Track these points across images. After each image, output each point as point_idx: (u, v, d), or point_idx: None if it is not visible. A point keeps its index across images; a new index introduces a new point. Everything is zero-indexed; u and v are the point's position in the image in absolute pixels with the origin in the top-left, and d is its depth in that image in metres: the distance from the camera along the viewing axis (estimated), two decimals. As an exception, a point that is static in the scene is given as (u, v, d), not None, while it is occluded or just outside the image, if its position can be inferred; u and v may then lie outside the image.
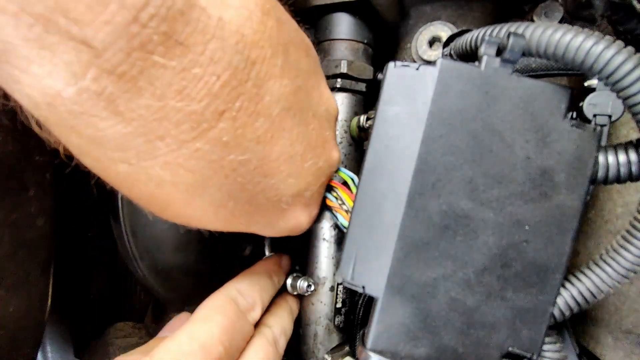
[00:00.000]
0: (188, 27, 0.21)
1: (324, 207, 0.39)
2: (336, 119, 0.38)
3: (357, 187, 0.33)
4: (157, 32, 0.20)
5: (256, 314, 0.37)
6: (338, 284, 0.46)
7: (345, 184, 0.38)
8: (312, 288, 0.44)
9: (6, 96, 0.23)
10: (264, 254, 0.49)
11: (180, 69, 0.22)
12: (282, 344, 0.40)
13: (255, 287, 0.38)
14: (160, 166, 0.25)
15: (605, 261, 0.29)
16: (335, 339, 0.46)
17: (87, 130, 0.22)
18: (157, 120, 0.23)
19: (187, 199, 0.27)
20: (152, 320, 0.66)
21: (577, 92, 0.30)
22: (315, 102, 0.33)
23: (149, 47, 0.20)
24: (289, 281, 0.45)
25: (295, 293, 0.45)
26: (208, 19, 0.22)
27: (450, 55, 0.36)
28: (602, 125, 0.30)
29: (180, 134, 0.24)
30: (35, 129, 0.26)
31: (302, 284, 0.44)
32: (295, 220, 0.35)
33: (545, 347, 0.30)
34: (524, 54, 0.28)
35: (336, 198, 0.38)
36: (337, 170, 0.38)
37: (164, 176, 0.25)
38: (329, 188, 0.38)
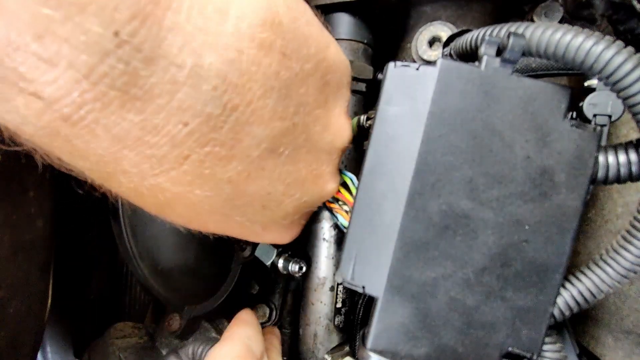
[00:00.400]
0: (152, 78, 0.20)
1: (324, 207, 0.39)
2: (345, 148, 0.34)
3: (357, 187, 0.33)
4: (112, 88, 0.20)
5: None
6: (338, 284, 0.46)
7: (344, 184, 0.38)
8: (304, 269, 0.44)
9: None
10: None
11: (138, 120, 0.21)
12: None
13: (259, 337, 0.41)
14: (125, 188, 0.26)
15: (605, 261, 0.29)
16: (335, 339, 0.46)
17: (53, 158, 0.24)
18: (115, 160, 0.23)
19: (159, 211, 0.28)
20: (152, 320, 0.66)
21: (577, 92, 0.30)
22: (316, 136, 0.30)
23: (104, 101, 0.20)
24: (280, 265, 0.45)
25: (285, 273, 0.45)
26: (178, 69, 0.21)
27: (450, 55, 0.36)
28: (602, 125, 0.30)
29: (139, 171, 0.24)
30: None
31: (293, 267, 0.44)
32: (272, 238, 0.34)
33: (545, 347, 0.30)
34: (524, 54, 0.28)
35: (336, 199, 0.38)
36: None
37: (129, 195, 0.26)
38: None
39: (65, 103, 0.19)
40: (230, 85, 0.23)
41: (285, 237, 0.35)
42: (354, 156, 0.48)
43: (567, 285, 0.30)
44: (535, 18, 0.44)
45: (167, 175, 0.24)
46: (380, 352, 0.31)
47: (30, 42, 0.18)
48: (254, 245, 0.51)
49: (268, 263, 0.45)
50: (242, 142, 0.25)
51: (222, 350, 0.36)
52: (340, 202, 0.38)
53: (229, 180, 0.26)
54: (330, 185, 0.34)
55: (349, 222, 0.32)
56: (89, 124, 0.21)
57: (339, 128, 0.32)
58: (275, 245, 0.46)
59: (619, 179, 0.29)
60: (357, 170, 0.34)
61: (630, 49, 0.26)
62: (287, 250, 0.47)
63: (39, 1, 0.17)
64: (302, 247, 0.49)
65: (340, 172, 0.38)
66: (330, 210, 0.38)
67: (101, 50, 0.19)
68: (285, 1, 0.25)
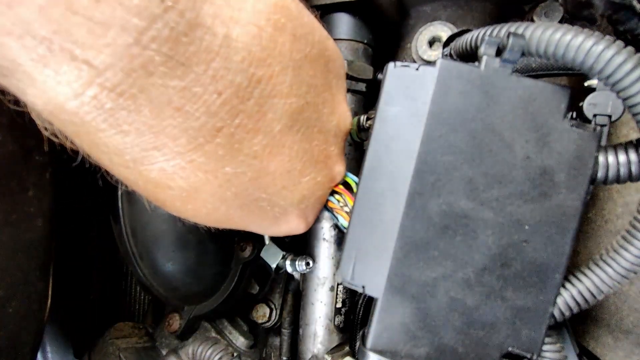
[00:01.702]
0: (191, 46, 0.22)
1: (325, 208, 0.39)
2: (347, 133, 0.37)
3: (357, 187, 0.33)
4: (158, 53, 0.21)
5: None
6: (338, 284, 0.46)
7: (347, 186, 0.38)
8: (311, 265, 0.45)
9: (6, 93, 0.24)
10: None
11: (180, 88, 0.22)
12: None
13: None
14: (157, 172, 0.26)
15: (605, 261, 0.29)
16: (335, 339, 0.46)
17: (88, 137, 0.24)
18: (154, 134, 0.23)
19: (182, 200, 0.28)
20: (152, 320, 0.66)
21: (577, 92, 0.30)
22: (325, 117, 0.32)
23: (150, 68, 0.21)
24: (288, 266, 0.45)
25: (294, 273, 0.45)
26: (213, 38, 0.22)
27: (450, 55, 0.36)
28: (602, 125, 0.30)
29: (176, 146, 0.24)
30: (42, 130, 0.26)
31: (300, 265, 0.45)
32: (289, 227, 0.36)
33: (545, 347, 0.30)
34: (523, 54, 0.28)
35: (338, 200, 0.38)
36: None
37: (160, 180, 0.27)
38: (333, 191, 0.38)
39: (115, 70, 0.20)
40: (254, 59, 0.25)
41: (302, 223, 0.36)
42: (354, 156, 0.48)
43: (567, 285, 0.30)
44: (535, 18, 0.44)
45: (202, 150, 0.25)
46: (380, 352, 0.31)
47: (88, 5, 0.18)
48: (254, 246, 0.51)
49: (274, 265, 0.45)
50: (266, 115, 0.27)
51: None
52: (341, 204, 0.38)
53: (255, 156, 0.28)
54: (338, 167, 0.36)
55: (349, 222, 0.32)
56: (134, 93, 0.21)
57: (342, 112, 0.35)
58: (280, 248, 0.46)
59: (618, 179, 0.29)
60: (357, 170, 0.34)
61: (630, 49, 0.26)
62: (291, 252, 0.47)
63: None
64: (303, 247, 0.49)
65: (345, 174, 0.38)
66: (331, 211, 0.38)
67: (150, 14, 0.19)
68: None
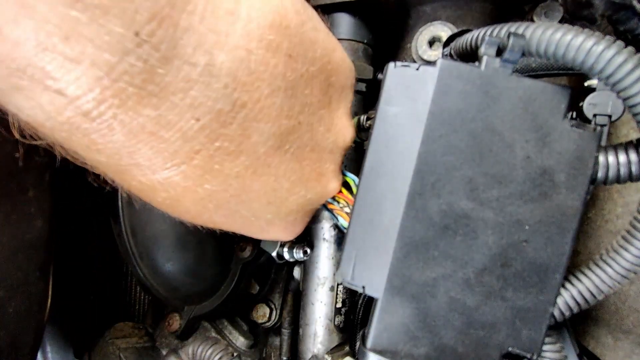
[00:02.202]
0: (167, 77, 0.22)
1: (324, 208, 0.39)
2: (347, 148, 0.35)
3: (357, 187, 0.33)
4: (131, 85, 0.21)
5: None
6: (338, 284, 0.46)
7: (347, 186, 0.38)
8: (309, 253, 0.45)
9: None
10: (264, 253, 0.49)
11: (154, 116, 0.22)
12: None
13: None
14: (137, 183, 0.26)
15: (605, 261, 0.29)
16: (335, 339, 0.46)
17: (70, 152, 0.25)
18: (129, 154, 0.24)
19: (166, 205, 0.29)
20: (152, 320, 0.66)
21: (577, 92, 0.30)
22: (320, 135, 0.31)
23: (122, 97, 0.21)
24: (285, 253, 0.45)
25: (292, 260, 0.45)
26: (192, 68, 0.22)
27: (450, 55, 0.36)
28: (602, 125, 0.30)
29: (151, 165, 0.25)
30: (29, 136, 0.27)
31: (297, 252, 0.44)
32: (276, 236, 0.35)
33: (545, 347, 0.30)
34: (524, 54, 0.28)
35: (337, 201, 0.38)
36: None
37: (142, 189, 0.27)
38: None
39: (87, 99, 0.21)
40: (239, 84, 0.24)
41: (289, 233, 0.36)
42: (354, 156, 0.48)
43: (567, 285, 0.30)
44: (535, 18, 0.44)
45: (178, 169, 0.25)
46: (380, 352, 0.31)
47: (58, 43, 0.19)
48: (254, 246, 0.51)
49: (274, 253, 0.45)
50: (250, 138, 0.26)
51: None
52: (341, 204, 0.38)
53: (237, 175, 0.27)
54: (332, 184, 0.34)
55: (349, 222, 0.32)
56: (107, 119, 0.22)
57: (342, 128, 0.33)
58: None
59: (619, 179, 0.29)
60: (357, 170, 0.34)
61: (630, 49, 0.26)
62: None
63: (67, 4, 0.18)
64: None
65: (343, 173, 0.38)
66: (331, 212, 0.38)
67: (122, 49, 0.20)
68: (294, 6, 0.27)
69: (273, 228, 0.34)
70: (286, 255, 0.45)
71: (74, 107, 0.21)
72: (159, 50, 0.21)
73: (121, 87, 0.21)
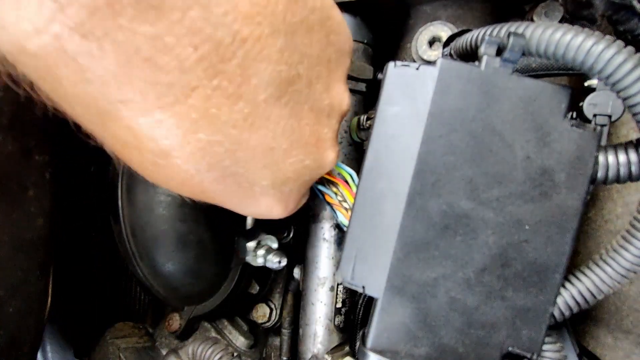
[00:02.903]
0: None
1: (325, 203, 0.39)
2: (343, 116, 0.34)
3: (357, 186, 0.33)
4: None
5: None
6: (338, 284, 0.46)
7: (344, 181, 0.38)
8: (282, 264, 0.44)
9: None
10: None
11: (150, 35, 0.20)
12: None
13: None
14: (123, 129, 0.24)
15: (605, 261, 0.29)
16: (335, 339, 0.46)
17: (51, 84, 0.22)
18: (119, 85, 0.22)
19: (152, 164, 0.26)
20: (152, 320, 0.66)
21: (577, 92, 0.30)
22: (317, 94, 0.30)
23: (117, 7, 0.19)
24: (259, 258, 0.44)
25: (263, 265, 0.45)
26: None
27: (450, 55, 0.36)
28: (602, 125, 0.30)
29: (143, 101, 0.22)
30: (4, 77, 0.24)
31: (272, 261, 0.44)
32: (267, 209, 0.33)
33: (545, 347, 0.30)
34: (524, 54, 0.28)
35: (336, 194, 0.38)
36: (336, 167, 0.38)
37: (127, 139, 0.25)
38: (330, 183, 0.38)
39: (78, 7, 0.19)
40: (240, 15, 0.22)
41: (282, 208, 0.33)
42: (354, 156, 0.48)
43: (567, 285, 0.30)
44: (535, 18, 0.44)
45: (172, 110, 0.23)
46: (380, 352, 0.31)
47: None
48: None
49: (248, 257, 0.45)
50: (250, 81, 0.24)
51: None
52: (339, 198, 0.38)
53: (234, 125, 0.25)
54: (330, 154, 0.33)
55: (349, 222, 0.32)
56: (99, 36, 0.20)
57: (339, 92, 0.32)
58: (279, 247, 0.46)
59: (618, 179, 0.29)
60: (357, 170, 0.34)
61: (630, 49, 0.26)
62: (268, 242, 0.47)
63: None
64: (302, 247, 0.49)
65: (339, 166, 0.38)
66: (330, 206, 0.38)
67: None
68: None
69: (266, 199, 0.31)
70: (259, 260, 0.44)
71: (64, 17, 0.19)
72: None
73: None
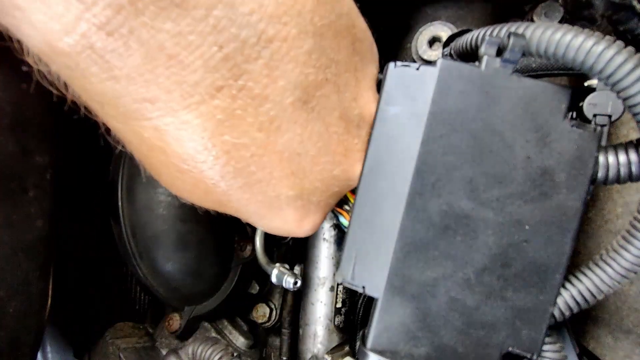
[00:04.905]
0: None
1: None
2: (370, 126, 0.32)
3: (357, 186, 0.33)
4: None
5: None
6: (338, 284, 0.46)
7: None
8: (298, 284, 0.43)
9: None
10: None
11: (174, 32, 0.20)
12: None
13: None
14: (150, 130, 0.24)
15: (605, 261, 0.29)
16: (335, 339, 0.46)
17: (81, 82, 0.23)
18: (145, 83, 0.22)
19: (177, 169, 0.26)
20: (152, 320, 0.66)
21: (577, 92, 0.30)
22: (347, 103, 0.29)
23: (139, 6, 0.19)
24: (274, 277, 0.44)
25: (279, 285, 0.44)
26: None
27: (451, 55, 0.36)
28: (602, 125, 0.30)
29: (169, 101, 0.22)
30: (40, 80, 0.25)
31: (287, 281, 0.44)
32: (294, 225, 0.31)
33: (545, 347, 0.30)
34: (524, 54, 0.28)
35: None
36: None
37: (153, 142, 0.25)
38: None
39: (103, 5, 0.19)
40: (266, 14, 0.22)
41: (306, 224, 0.31)
42: (354, 156, 0.48)
43: (567, 285, 0.30)
44: (535, 18, 0.44)
45: (197, 110, 0.23)
46: (380, 352, 0.31)
47: None
48: (255, 246, 0.51)
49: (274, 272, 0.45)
50: (277, 82, 0.24)
51: None
52: (342, 202, 0.38)
53: (260, 128, 0.25)
54: (357, 167, 0.31)
55: (349, 222, 0.32)
56: (124, 33, 0.20)
57: (368, 102, 0.31)
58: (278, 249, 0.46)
59: (619, 179, 0.29)
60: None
61: (630, 49, 0.26)
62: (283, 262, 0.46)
63: None
64: (302, 247, 0.49)
65: None
66: (332, 210, 0.38)
67: None
68: None
69: (290, 213, 0.30)
70: (274, 279, 0.44)
71: (91, 15, 0.19)
72: None
73: None
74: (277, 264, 0.45)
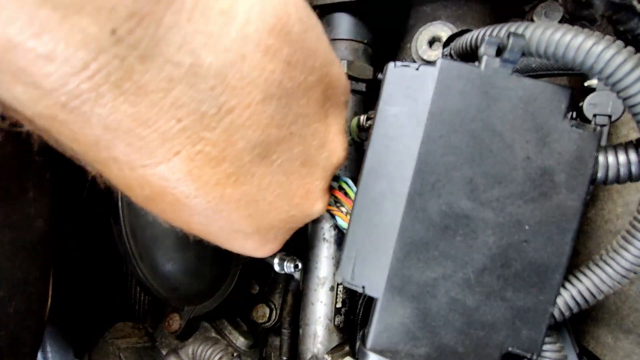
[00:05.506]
0: (147, 75, 0.21)
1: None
2: (339, 167, 0.34)
3: (357, 187, 0.33)
4: (106, 82, 0.20)
5: None
6: (338, 284, 0.46)
7: (340, 187, 0.38)
8: (299, 267, 0.45)
9: None
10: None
11: (131, 112, 0.22)
12: None
13: None
14: (115, 177, 0.26)
15: (605, 261, 0.29)
16: (335, 339, 0.46)
17: (51, 140, 0.25)
18: (106, 148, 0.23)
19: (142, 204, 0.28)
20: (152, 320, 0.66)
21: (577, 92, 0.30)
22: (313, 150, 0.30)
23: (98, 92, 0.20)
24: (276, 265, 0.45)
25: (282, 272, 0.45)
26: (175, 67, 0.21)
27: (450, 55, 0.36)
28: (602, 125, 0.30)
29: (129, 161, 0.24)
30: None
31: (288, 266, 0.45)
32: (252, 251, 0.34)
33: (545, 347, 0.30)
34: (523, 54, 0.28)
35: (335, 201, 0.38)
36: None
37: (120, 183, 0.27)
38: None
39: (62, 92, 0.20)
40: (228, 87, 0.23)
41: (265, 250, 0.34)
42: (354, 156, 0.48)
43: (567, 285, 0.30)
44: (535, 18, 0.44)
45: (155, 169, 0.24)
46: (380, 352, 0.31)
47: (28, 40, 0.18)
48: None
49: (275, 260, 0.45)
50: (235, 145, 0.25)
51: None
52: (338, 204, 0.38)
53: (217, 182, 0.26)
54: (318, 205, 0.33)
55: (349, 222, 0.32)
56: (84, 112, 0.21)
57: (337, 145, 0.33)
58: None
59: (618, 179, 0.29)
60: (357, 170, 0.34)
61: (630, 49, 0.26)
62: (282, 250, 0.47)
63: (36, 3, 0.18)
64: (302, 246, 0.49)
65: (338, 177, 0.38)
66: (328, 211, 0.38)
67: (97, 47, 0.19)
68: (298, 12, 0.25)
69: (250, 243, 0.32)
70: (276, 267, 0.45)
71: (50, 98, 0.20)
72: (138, 49, 0.20)
73: (97, 82, 0.20)
74: (277, 253, 0.46)
